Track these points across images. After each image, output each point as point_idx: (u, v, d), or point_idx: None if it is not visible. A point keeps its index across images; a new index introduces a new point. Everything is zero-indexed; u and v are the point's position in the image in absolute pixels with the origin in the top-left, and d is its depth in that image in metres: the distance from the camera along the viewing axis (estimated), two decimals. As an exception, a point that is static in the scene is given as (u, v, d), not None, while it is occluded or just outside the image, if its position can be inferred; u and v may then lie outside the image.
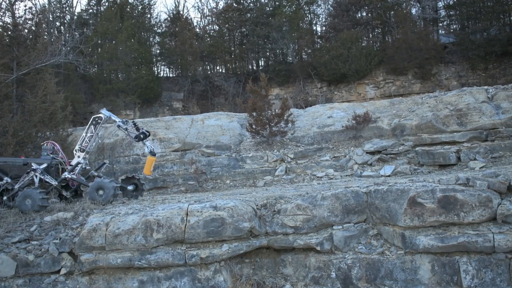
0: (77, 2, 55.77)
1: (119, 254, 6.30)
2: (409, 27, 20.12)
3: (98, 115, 8.31)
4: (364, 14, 22.98)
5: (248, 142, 11.94)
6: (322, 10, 25.26)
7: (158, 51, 24.82)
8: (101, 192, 7.77)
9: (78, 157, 8.23)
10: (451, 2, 22.38)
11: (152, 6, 26.27)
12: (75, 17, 23.02)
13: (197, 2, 53.02)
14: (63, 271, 6.42)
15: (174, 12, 26.63)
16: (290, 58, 23.09)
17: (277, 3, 23.90)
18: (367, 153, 10.43)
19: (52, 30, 20.64)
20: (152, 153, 8.27)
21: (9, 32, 12.84)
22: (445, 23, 23.77)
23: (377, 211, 6.46)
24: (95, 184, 7.86)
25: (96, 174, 8.48)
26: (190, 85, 22.46)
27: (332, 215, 6.58)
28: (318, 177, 9.94)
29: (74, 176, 8.23)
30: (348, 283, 6.23)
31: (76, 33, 20.86)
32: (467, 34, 20.31)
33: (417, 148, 10.19)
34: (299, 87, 21.90)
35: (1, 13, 14.37)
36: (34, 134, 10.32)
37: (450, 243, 5.78)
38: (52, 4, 21.67)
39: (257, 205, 6.98)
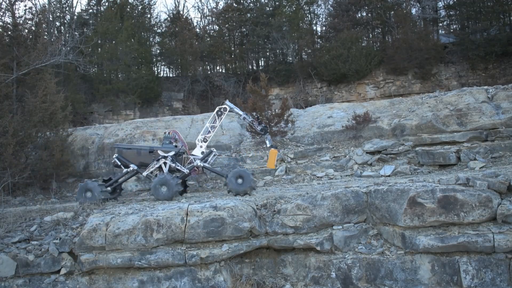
0: (77, 2, 55.73)
1: (119, 254, 6.30)
2: (409, 27, 20.10)
3: (223, 106, 8.46)
4: (364, 14, 22.95)
5: (248, 142, 11.94)
6: (322, 10, 25.23)
7: (158, 51, 24.78)
8: (240, 180, 7.81)
9: (201, 147, 8.37)
10: (451, 2, 22.36)
11: (152, 6, 26.21)
12: (75, 17, 22.98)
13: (197, 2, 52.97)
14: (63, 271, 6.42)
15: (174, 12, 26.60)
16: (290, 58, 23.07)
17: (277, 3, 23.87)
18: (367, 153, 10.43)
19: (52, 30, 20.63)
20: (274, 147, 8.37)
21: (9, 32, 12.84)
22: (445, 23, 23.74)
23: (377, 211, 6.46)
24: (236, 172, 7.89)
25: (202, 164, 8.41)
26: (190, 85, 22.44)
27: (332, 215, 6.58)
28: (318, 177, 9.94)
29: (207, 165, 8.36)
30: (348, 283, 6.23)
31: (76, 33, 20.83)
32: (467, 34, 20.29)
33: (417, 148, 10.19)
34: (299, 87, 21.89)
35: (1, 13, 14.37)
36: (34, 134, 10.31)
37: (450, 243, 5.78)
38: (52, 4, 21.65)
39: (257, 205, 6.99)
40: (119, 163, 8.27)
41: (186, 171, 8.19)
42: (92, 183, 7.90)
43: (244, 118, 8.64)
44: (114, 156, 8.34)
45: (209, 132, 8.39)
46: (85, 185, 7.85)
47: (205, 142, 8.38)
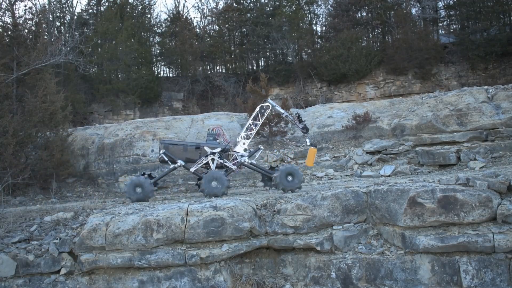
0: (77, 2, 55.77)
1: (119, 254, 6.30)
2: (409, 27, 20.11)
3: (265, 104, 8.54)
4: (364, 14, 22.96)
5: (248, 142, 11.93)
6: (322, 10, 25.24)
7: (158, 51, 24.78)
8: (290, 178, 7.89)
9: (243, 144, 8.42)
10: (451, 2, 22.36)
11: (152, 6, 26.21)
12: (75, 17, 22.97)
13: (197, 2, 53.00)
14: (63, 271, 6.42)
15: (174, 12, 26.58)
16: (290, 58, 23.08)
17: (277, 3, 23.88)
18: (367, 153, 10.44)
19: (52, 30, 20.61)
20: (314, 145, 8.44)
21: (9, 32, 12.83)
22: (445, 23, 23.74)
23: (377, 211, 6.46)
24: (286, 170, 7.96)
25: (249, 161, 8.43)
26: (190, 85, 22.44)
27: (332, 215, 6.58)
28: (318, 177, 9.95)
29: (254, 162, 8.44)
30: (348, 283, 6.24)
31: (76, 33, 20.83)
32: (467, 34, 20.29)
33: (417, 148, 10.19)
34: (299, 87, 21.89)
35: (1, 13, 14.37)
36: (34, 134, 10.30)
37: (450, 243, 5.78)
38: (52, 4, 21.65)
39: (257, 205, 7.00)
40: (166, 159, 8.31)
41: (234, 167, 8.25)
42: (143, 179, 7.95)
43: (286, 116, 8.75)
44: (161, 152, 8.35)
45: (252, 129, 8.44)
46: (135, 181, 7.90)
47: (248, 139, 8.44)
